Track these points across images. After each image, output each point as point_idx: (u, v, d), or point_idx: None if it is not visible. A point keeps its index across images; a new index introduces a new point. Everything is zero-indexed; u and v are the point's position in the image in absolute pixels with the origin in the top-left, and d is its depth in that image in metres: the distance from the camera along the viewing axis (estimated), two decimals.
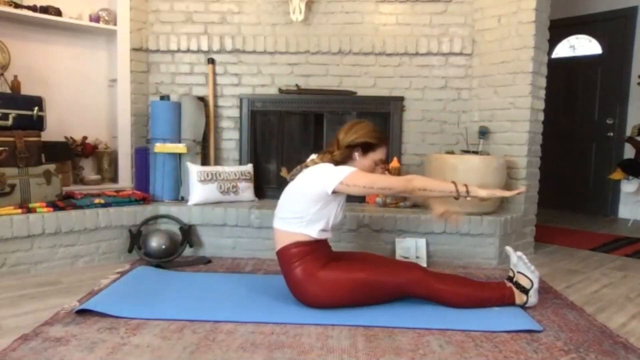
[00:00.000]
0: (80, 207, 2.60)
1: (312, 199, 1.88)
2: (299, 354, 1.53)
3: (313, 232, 1.91)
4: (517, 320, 1.82)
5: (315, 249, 1.92)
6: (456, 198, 1.84)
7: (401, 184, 1.84)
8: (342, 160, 1.96)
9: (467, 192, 1.83)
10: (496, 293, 1.97)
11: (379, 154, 2.00)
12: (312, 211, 1.89)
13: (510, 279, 2.02)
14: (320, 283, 1.87)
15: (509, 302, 1.96)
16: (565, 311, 1.98)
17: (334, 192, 1.84)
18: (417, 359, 1.51)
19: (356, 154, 1.97)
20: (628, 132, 4.52)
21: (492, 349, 1.59)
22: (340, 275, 1.88)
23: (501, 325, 1.77)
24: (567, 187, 5.09)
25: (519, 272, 2.00)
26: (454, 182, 1.84)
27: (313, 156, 2.04)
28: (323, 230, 1.94)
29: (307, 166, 1.96)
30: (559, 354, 1.56)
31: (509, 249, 2.09)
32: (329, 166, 1.89)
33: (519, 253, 2.02)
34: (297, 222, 1.91)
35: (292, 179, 1.99)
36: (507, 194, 1.91)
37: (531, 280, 1.97)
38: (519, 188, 1.98)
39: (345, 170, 1.84)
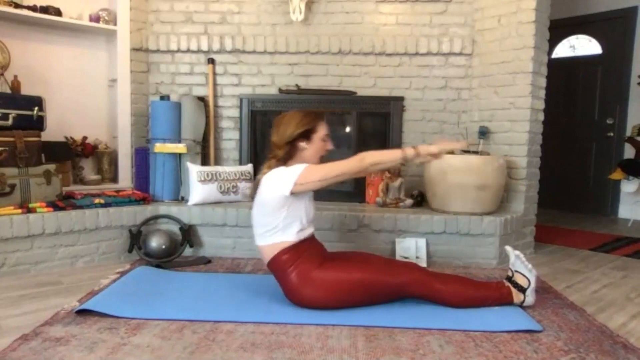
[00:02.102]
0: (80, 207, 2.60)
1: (275, 207, 1.88)
2: (299, 354, 1.53)
3: (291, 236, 1.91)
4: (517, 320, 1.82)
5: (305, 250, 1.92)
6: (403, 164, 1.86)
7: (355, 164, 1.84)
8: (290, 156, 1.95)
9: (416, 154, 1.85)
10: (494, 292, 1.97)
11: (321, 131, 1.98)
12: (281, 218, 1.89)
13: (509, 278, 2.02)
14: (318, 284, 1.86)
15: (507, 301, 1.96)
16: (565, 311, 1.98)
17: (292, 194, 1.85)
18: (417, 359, 1.51)
19: (302, 144, 1.95)
20: (628, 132, 4.52)
21: (492, 349, 1.59)
22: (339, 276, 1.88)
23: (501, 325, 1.77)
24: (567, 187, 5.09)
25: (516, 271, 2.00)
26: (402, 150, 1.87)
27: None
28: (301, 230, 1.93)
29: (259, 179, 1.96)
30: (559, 354, 1.56)
31: (508, 248, 2.09)
32: (281, 170, 1.89)
33: (517, 252, 2.02)
34: (272, 233, 1.91)
35: (252, 196, 1.99)
36: (456, 145, 1.94)
37: (528, 280, 1.97)
38: (466, 140, 1.98)
39: (296, 170, 1.84)
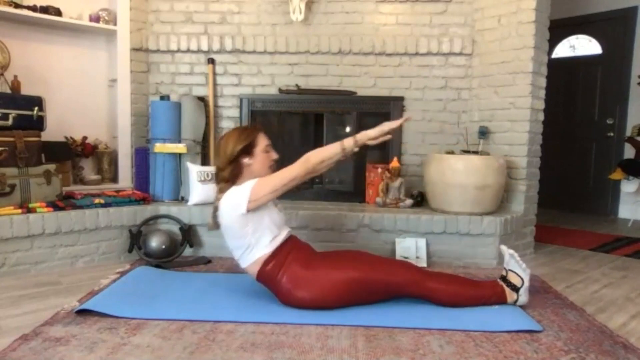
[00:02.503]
0: (80, 207, 2.60)
1: (240, 228, 1.88)
2: (299, 354, 1.53)
3: (266, 247, 1.91)
4: (517, 320, 1.82)
5: (288, 254, 1.92)
6: (345, 156, 1.88)
7: (301, 167, 1.85)
8: (237, 175, 1.95)
9: (355, 142, 1.87)
10: (488, 291, 1.96)
11: (262, 143, 1.98)
12: (250, 235, 1.89)
13: (503, 277, 2.01)
14: (310, 284, 1.86)
15: (501, 300, 1.95)
16: (565, 311, 1.98)
17: (249, 211, 1.85)
18: (417, 359, 1.51)
19: (245, 160, 1.94)
20: (628, 132, 4.53)
21: (492, 349, 1.59)
22: (330, 274, 1.87)
23: (501, 325, 1.77)
24: (567, 187, 5.09)
25: (510, 270, 1.99)
26: (340, 142, 1.88)
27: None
28: (273, 239, 1.93)
29: (217, 206, 1.95)
30: (559, 354, 1.56)
31: (502, 247, 2.08)
32: (232, 191, 1.89)
33: (511, 251, 2.02)
34: (248, 252, 1.91)
35: (216, 225, 1.98)
36: (394, 124, 1.93)
37: (522, 279, 1.96)
38: (409, 115, 1.96)
39: (247, 187, 1.84)
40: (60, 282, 2.28)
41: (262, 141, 1.99)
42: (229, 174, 1.93)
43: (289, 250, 1.94)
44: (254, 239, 1.90)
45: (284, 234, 1.98)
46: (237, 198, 1.85)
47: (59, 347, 1.53)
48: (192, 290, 2.13)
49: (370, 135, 1.89)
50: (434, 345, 1.61)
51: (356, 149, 1.90)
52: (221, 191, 1.93)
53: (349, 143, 1.88)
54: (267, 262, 1.90)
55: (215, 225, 1.97)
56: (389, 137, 1.94)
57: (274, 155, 2.02)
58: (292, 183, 1.87)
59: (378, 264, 1.95)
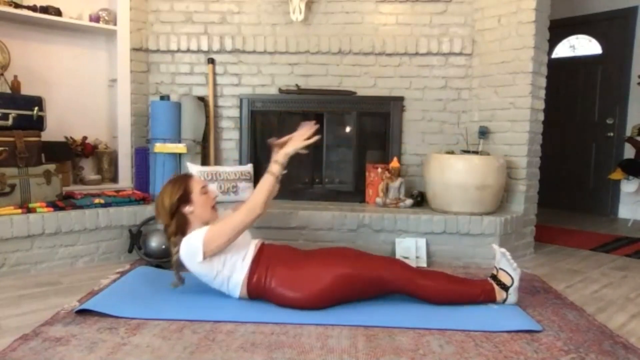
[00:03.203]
0: (80, 207, 2.60)
1: (208, 271, 1.91)
2: (299, 354, 1.53)
3: (242, 269, 1.92)
4: (517, 320, 1.82)
5: (267, 260, 1.93)
6: (278, 181, 1.90)
7: (251, 213, 1.86)
8: (184, 225, 1.94)
9: (281, 165, 1.90)
10: (477, 289, 1.96)
11: (196, 188, 1.98)
12: (221, 270, 1.91)
13: (494, 276, 2.01)
14: (299, 283, 1.87)
15: (490, 298, 1.95)
16: (565, 311, 1.98)
17: (207, 257, 1.86)
18: (417, 359, 1.51)
19: (186, 209, 1.94)
20: (628, 132, 4.52)
21: (492, 349, 1.59)
22: (317, 271, 1.88)
23: (501, 325, 1.77)
24: (567, 187, 5.09)
25: (501, 269, 1.99)
26: (269, 171, 1.90)
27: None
28: (245, 257, 1.93)
29: (176, 260, 1.95)
30: (559, 354, 1.56)
31: (494, 246, 2.08)
32: (185, 242, 1.89)
33: (503, 250, 2.01)
34: (229, 282, 1.92)
35: (181, 281, 1.98)
36: (303, 134, 1.92)
37: (512, 278, 1.96)
38: (309, 126, 1.93)
39: (198, 240, 1.84)
40: (60, 282, 2.28)
41: (196, 185, 1.99)
42: (176, 227, 1.94)
43: (268, 256, 1.95)
44: (227, 270, 1.91)
45: (252, 248, 1.98)
46: (191, 249, 1.87)
47: (59, 347, 1.53)
48: (192, 290, 2.13)
49: (288, 152, 1.91)
50: (434, 345, 1.61)
51: (284, 171, 1.93)
52: (175, 245, 1.93)
53: (276, 169, 1.90)
54: (250, 278, 1.91)
55: (181, 281, 1.98)
56: (305, 150, 1.93)
57: (213, 194, 2.04)
58: (245, 229, 1.90)
59: (363, 260, 1.95)
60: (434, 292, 1.93)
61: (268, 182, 1.90)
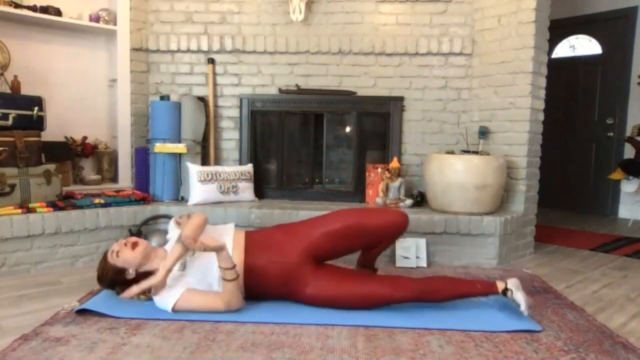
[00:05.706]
0: (80, 207, 2.60)
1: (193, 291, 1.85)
2: (299, 354, 1.53)
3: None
4: (517, 320, 1.82)
5: (252, 249, 1.91)
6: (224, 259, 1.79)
7: (225, 308, 1.81)
8: (139, 279, 1.86)
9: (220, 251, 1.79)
10: (480, 287, 1.90)
11: (120, 262, 1.86)
12: (207, 282, 1.87)
13: (504, 291, 1.89)
14: (287, 248, 1.90)
15: (492, 291, 1.89)
16: (565, 311, 1.98)
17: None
18: (417, 359, 1.51)
19: (126, 273, 1.87)
20: (628, 132, 4.53)
21: (492, 349, 1.59)
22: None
23: (501, 325, 1.77)
24: (567, 187, 5.09)
25: (513, 299, 1.86)
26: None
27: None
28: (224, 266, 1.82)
29: None
30: (559, 354, 1.56)
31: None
32: (155, 299, 1.85)
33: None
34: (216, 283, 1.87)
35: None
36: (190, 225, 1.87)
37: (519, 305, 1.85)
38: (222, 243, 1.81)
39: (169, 302, 1.80)
40: (60, 282, 2.28)
41: (115, 249, 1.89)
42: (135, 281, 1.86)
43: (249, 244, 1.93)
44: (211, 277, 1.86)
45: (229, 241, 1.92)
46: (162, 304, 1.82)
47: (59, 347, 1.53)
48: None
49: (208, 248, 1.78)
50: (434, 345, 1.61)
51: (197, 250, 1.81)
52: (148, 298, 1.90)
53: (224, 256, 1.80)
54: (245, 278, 1.88)
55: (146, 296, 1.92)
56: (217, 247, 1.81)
57: (131, 241, 1.90)
58: (218, 311, 1.82)
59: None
60: (438, 297, 1.88)
61: (226, 259, 1.79)
